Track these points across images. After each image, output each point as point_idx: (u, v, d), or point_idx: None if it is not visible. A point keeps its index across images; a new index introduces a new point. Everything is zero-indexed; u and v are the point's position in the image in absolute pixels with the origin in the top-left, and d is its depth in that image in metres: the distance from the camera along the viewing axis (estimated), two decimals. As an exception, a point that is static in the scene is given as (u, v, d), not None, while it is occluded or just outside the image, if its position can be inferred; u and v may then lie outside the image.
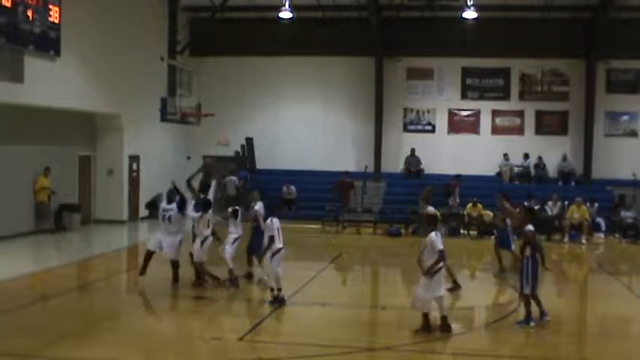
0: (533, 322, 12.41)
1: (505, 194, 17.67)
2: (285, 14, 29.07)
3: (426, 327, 11.81)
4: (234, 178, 28.90)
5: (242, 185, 28.92)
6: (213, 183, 16.57)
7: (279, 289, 13.52)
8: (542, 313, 12.61)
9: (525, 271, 12.50)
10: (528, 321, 12.44)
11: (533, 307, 12.47)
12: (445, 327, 11.87)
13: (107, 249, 21.76)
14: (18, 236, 21.94)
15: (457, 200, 26.72)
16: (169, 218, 15.17)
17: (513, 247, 16.69)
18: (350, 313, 13.97)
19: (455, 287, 15.15)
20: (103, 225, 25.91)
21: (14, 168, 22.14)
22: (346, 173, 28.75)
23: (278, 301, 13.48)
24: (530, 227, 12.73)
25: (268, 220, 13.72)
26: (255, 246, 15.19)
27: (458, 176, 28.07)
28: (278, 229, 13.55)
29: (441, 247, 11.71)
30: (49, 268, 18.20)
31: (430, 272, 11.61)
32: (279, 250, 13.47)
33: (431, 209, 14.83)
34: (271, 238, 13.40)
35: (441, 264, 11.80)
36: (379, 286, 15.70)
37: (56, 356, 10.45)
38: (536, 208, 15.43)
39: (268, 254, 13.44)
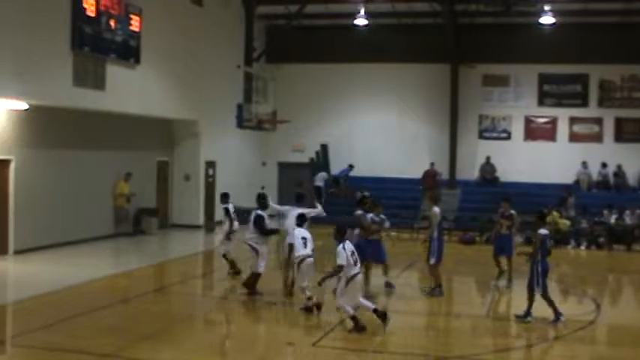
0: (530, 318, 12.86)
1: (508, 199, 17.41)
2: (361, 21, 29.16)
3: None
4: (324, 173, 30.19)
5: (343, 180, 30.18)
6: None
7: (309, 298, 13.35)
8: (557, 314, 12.87)
9: (536, 273, 12.84)
10: (527, 316, 12.91)
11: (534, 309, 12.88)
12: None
13: (184, 253, 22.14)
14: (98, 239, 22.52)
15: (570, 212, 26.13)
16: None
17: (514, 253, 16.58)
18: (423, 321, 13.93)
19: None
20: (180, 229, 26.36)
21: (96, 173, 22.74)
22: (432, 164, 29.88)
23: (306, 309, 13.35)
24: (542, 231, 13.04)
25: (296, 230, 13.67)
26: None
27: (569, 187, 27.80)
28: (303, 237, 13.39)
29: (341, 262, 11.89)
30: (127, 271, 18.63)
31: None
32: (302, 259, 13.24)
33: (436, 210, 15.23)
34: (290, 246, 13.49)
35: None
36: (453, 294, 15.59)
37: (135, 357, 10.69)
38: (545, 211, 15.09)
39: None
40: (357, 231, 15.22)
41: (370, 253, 15.23)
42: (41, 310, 13.57)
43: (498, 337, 12.51)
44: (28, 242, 19.76)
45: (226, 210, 17.52)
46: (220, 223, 17.69)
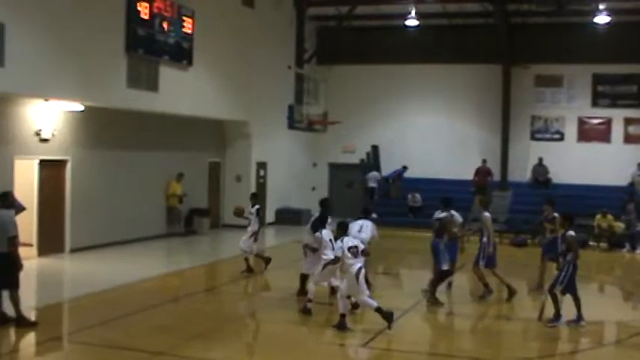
0: (584, 322, 12.72)
1: (550, 201, 17.00)
2: (412, 22, 29.07)
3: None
4: (375, 172, 30.27)
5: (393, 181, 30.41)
6: None
7: (309, 300, 13.29)
8: (557, 315, 12.82)
9: (564, 273, 12.76)
10: (557, 319, 12.76)
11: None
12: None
13: (234, 253, 22.25)
14: (151, 239, 22.84)
15: (631, 216, 25.64)
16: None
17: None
18: (474, 324, 13.85)
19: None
20: (231, 229, 26.51)
21: (149, 173, 23.07)
22: (484, 161, 29.66)
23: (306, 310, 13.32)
24: (571, 233, 12.97)
25: (317, 233, 13.67)
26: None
27: (631, 191, 27.42)
28: (330, 239, 13.42)
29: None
30: (179, 270, 18.88)
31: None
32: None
33: (487, 215, 15.38)
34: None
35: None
36: (504, 297, 15.44)
37: (186, 355, 10.84)
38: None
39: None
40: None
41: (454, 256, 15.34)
42: (96, 307, 13.85)
43: (549, 341, 12.35)
44: (83, 241, 20.14)
45: (258, 211, 17.71)
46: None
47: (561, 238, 13.27)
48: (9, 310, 11.85)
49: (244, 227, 17.91)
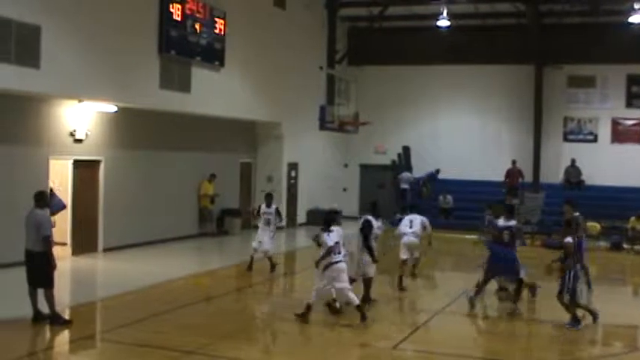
0: (581, 325, 12.56)
1: (569, 202, 15.85)
2: (443, 22, 28.96)
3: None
4: (407, 173, 30.50)
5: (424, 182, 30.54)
6: None
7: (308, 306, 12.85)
8: (576, 320, 12.61)
9: (567, 280, 12.57)
10: (575, 323, 12.55)
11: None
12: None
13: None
14: (183, 239, 23.00)
15: None
16: None
17: None
18: (506, 326, 13.78)
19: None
20: (262, 230, 26.63)
21: (181, 173, 23.24)
22: (514, 162, 29.44)
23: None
24: (568, 239, 12.72)
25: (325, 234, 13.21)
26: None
27: None
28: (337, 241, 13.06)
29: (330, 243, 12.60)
30: (210, 270, 18.99)
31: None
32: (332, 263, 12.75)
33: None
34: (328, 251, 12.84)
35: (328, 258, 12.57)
36: (535, 299, 15.33)
37: (217, 355, 10.90)
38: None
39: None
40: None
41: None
42: (128, 306, 13.98)
43: (582, 344, 12.24)
44: (116, 240, 20.34)
45: (277, 210, 18.11)
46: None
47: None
48: (43, 308, 12.01)
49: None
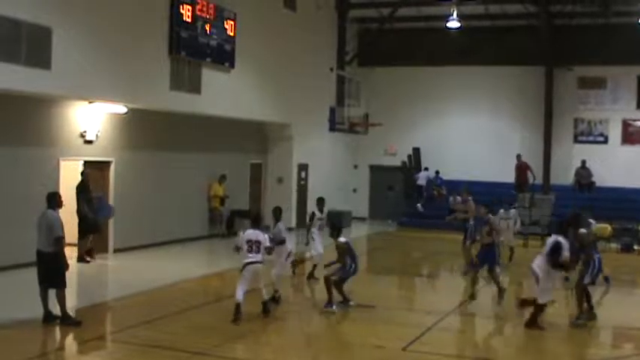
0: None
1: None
2: (453, 24, 28.89)
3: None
4: (426, 172, 30.77)
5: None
6: None
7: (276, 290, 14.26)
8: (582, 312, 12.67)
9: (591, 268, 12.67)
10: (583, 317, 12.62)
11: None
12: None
13: (275, 254, 22.38)
14: (193, 240, 23.04)
15: None
16: None
17: None
18: (515, 328, 13.74)
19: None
20: (272, 231, 26.63)
21: (191, 175, 23.25)
22: (519, 156, 29.43)
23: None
24: (582, 230, 13.09)
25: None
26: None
27: None
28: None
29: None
30: (220, 271, 18.97)
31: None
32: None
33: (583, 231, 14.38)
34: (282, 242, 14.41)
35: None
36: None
37: (227, 356, 10.93)
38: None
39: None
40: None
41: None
42: (139, 307, 14.02)
43: (592, 346, 12.23)
44: (126, 241, 20.38)
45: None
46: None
47: None
48: (55, 309, 12.05)
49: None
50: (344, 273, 13.85)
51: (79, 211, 18.27)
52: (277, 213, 15.55)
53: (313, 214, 17.39)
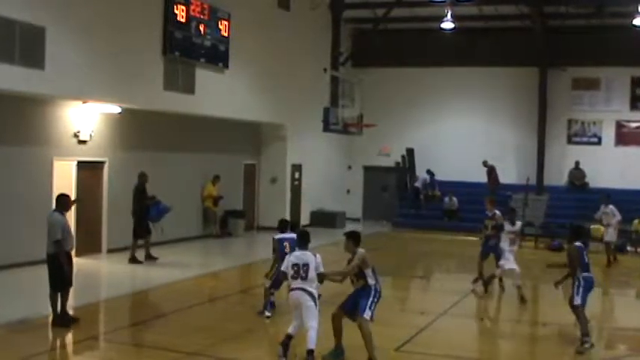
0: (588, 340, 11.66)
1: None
2: (447, 25, 28.92)
3: None
4: (426, 175, 30.67)
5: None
6: None
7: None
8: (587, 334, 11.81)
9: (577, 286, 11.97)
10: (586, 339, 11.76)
11: None
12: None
13: (269, 255, 22.30)
14: (187, 240, 23.02)
15: None
16: None
17: None
18: (509, 328, 13.77)
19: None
20: (266, 232, 26.57)
21: (185, 175, 23.25)
22: (485, 162, 29.61)
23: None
24: (577, 244, 12.29)
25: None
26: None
27: None
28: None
29: None
30: (214, 272, 18.99)
31: None
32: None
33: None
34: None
35: None
36: (539, 302, 15.34)
37: (221, 356, 10.92)
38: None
39: None
40: None
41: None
42: (132, 307, 14.03)
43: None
44: (120, 241, 20.31)
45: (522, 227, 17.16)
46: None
47: None
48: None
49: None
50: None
51: (134, 213, 18.64)
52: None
53: (502, 226, 15.90)
